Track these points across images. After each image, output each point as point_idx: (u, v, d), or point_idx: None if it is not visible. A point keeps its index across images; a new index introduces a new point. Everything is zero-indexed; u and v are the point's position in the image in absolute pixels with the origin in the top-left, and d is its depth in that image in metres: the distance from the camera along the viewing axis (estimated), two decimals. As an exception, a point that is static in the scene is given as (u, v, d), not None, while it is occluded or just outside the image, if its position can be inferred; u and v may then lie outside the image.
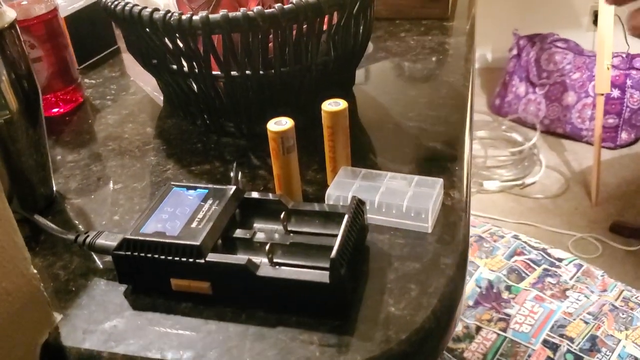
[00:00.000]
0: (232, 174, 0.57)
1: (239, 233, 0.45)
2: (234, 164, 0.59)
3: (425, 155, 0.58)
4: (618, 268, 1.76)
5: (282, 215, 0.45)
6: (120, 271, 0.44)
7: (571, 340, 0.95)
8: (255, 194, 0.48)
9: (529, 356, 0.93)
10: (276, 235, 0.45)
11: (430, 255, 0.45)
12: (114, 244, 0.44)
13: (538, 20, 2.59)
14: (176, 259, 0.41)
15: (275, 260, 0.42)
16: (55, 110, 0.72)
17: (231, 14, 0.52)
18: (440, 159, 0.57)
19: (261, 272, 0.41)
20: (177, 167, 0.59)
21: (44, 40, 0.68)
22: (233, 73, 0.57)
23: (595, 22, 2.45)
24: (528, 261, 1.12)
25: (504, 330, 0.99)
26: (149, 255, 0.42)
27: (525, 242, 1.18)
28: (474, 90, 0.71)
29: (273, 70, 0.57)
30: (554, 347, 0.94)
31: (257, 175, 0.57)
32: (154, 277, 0.43)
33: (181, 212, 0.45)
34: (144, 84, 0.77)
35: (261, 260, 0.42)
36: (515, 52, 2.45)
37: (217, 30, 0.53)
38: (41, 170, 0.54)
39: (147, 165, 0.60)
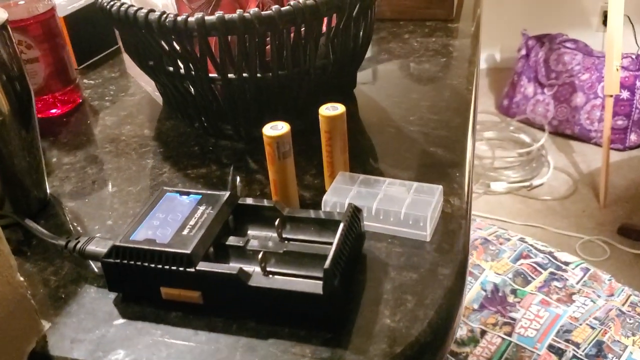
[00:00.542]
0: (229, 179, 0.56)
1: (232, 240, 0.44)
2: (232, 169, 0.58)
3: (425, 160, 0.57)
4: (626, 271, 1.74)
5: (276, 222, 0.44)
6: (110, 279, 0.43)
7: (577, 345, 0.93)
8: (249, 200, 0.47)
9: (534, 362, 0.92)
10: (270, 243, 0.44)
11: (428, 265, 0.44)
12: (104, 250, 0.43)
13: (547, 21, 2.57)
14: (166, 267, 0.40)
15: (268, 269, 0.41)
16: (53, 111, 0.71)
17: (227, 16, 0.51)
18: (440, 164, 0.56)
19: (253, 282, 0.40)
20: (174, 170, 0.59)
21: (41, 41, 0.67)
22: (230, 76, 0.55)
23: (604, 22, 2.42)
24: (534, 265, 1.11)
25: (509, 334, 0.97)
26: (139, 263, 0.41)
27: (531, 245, 1.16)
28: (477, 94, 0.69)
29: (271, 74, 0.56)
30: (560, 353, 0.93)
31: (254, 179, 0.56)
32: (143, 285, 0.42)
33: (173, 219, 0.44)
34: (145, 83, 0.76)
35: (254, 269, 0.41)
36: (523, 52, 2.42)
37: (212, 32, 0.52)
38: (34, 173, 0.53)
39: (143, 169, 0.59)
